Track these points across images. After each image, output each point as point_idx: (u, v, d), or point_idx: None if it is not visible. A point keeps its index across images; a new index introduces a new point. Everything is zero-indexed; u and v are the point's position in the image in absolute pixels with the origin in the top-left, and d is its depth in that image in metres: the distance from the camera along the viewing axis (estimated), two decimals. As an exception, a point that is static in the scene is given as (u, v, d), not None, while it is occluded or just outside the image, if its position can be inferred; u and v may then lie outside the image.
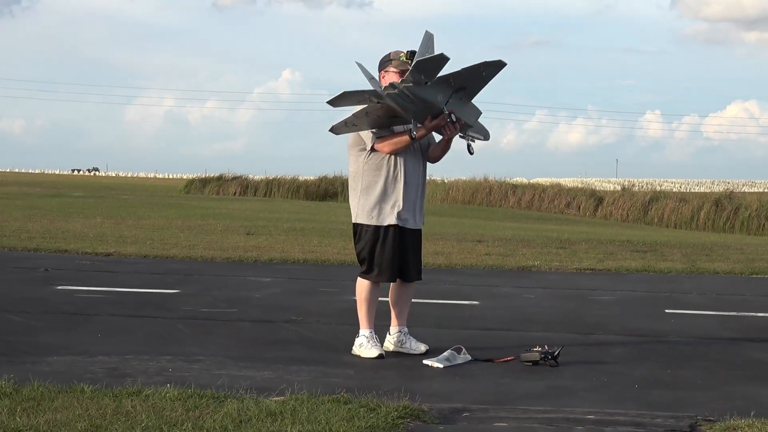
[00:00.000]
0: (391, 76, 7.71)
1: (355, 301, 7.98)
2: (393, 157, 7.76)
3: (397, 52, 7.81)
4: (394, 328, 8.02)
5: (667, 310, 10.79)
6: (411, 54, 7.68)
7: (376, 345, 7.76)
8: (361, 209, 7.85)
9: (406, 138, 7.67)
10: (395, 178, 7.76)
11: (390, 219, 7.76)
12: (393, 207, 7.76)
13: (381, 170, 7.76)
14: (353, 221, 7.95)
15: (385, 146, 7.73)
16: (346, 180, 8.36)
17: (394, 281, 7.94)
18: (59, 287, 11.43)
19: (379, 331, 7.91)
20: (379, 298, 7.94)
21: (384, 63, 7.86)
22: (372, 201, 7.78)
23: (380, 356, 7.68)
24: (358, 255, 7.94)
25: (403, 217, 7.79)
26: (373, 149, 7.76)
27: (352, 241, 8.07)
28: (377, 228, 7.79)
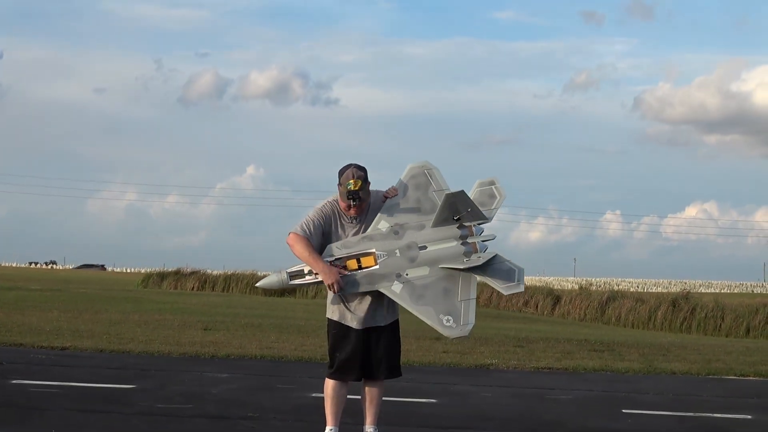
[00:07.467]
0: (339, 196, 7.62)
1: (312, 397, 7.93)
2: None
3: (347, 177, 7.52)
4: (365, 426, 7.87)
5: (624, 410, 10.82)
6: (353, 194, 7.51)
7: (339, 442, 7.67)
8: (329, 303, 7.79)
9: (318, 265, 7.43)
10: None
11: (351, 321, 7.66)
12: (352, 308, 7.66)
13: None
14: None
15: (296, 249, 7.49)
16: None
17: (358, 380, 7.78)
18: (14, 381, 11.30)
19: (348, 429, 7.87)
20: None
21: (340, 176, 7.59)
22: (336, 298, 7.67)
23: (342, 454, 7.59)
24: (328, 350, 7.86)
25: (363, 317, 7.66)
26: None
27: (312, 337, 8.04)
28: (340, 325, 7.70)
